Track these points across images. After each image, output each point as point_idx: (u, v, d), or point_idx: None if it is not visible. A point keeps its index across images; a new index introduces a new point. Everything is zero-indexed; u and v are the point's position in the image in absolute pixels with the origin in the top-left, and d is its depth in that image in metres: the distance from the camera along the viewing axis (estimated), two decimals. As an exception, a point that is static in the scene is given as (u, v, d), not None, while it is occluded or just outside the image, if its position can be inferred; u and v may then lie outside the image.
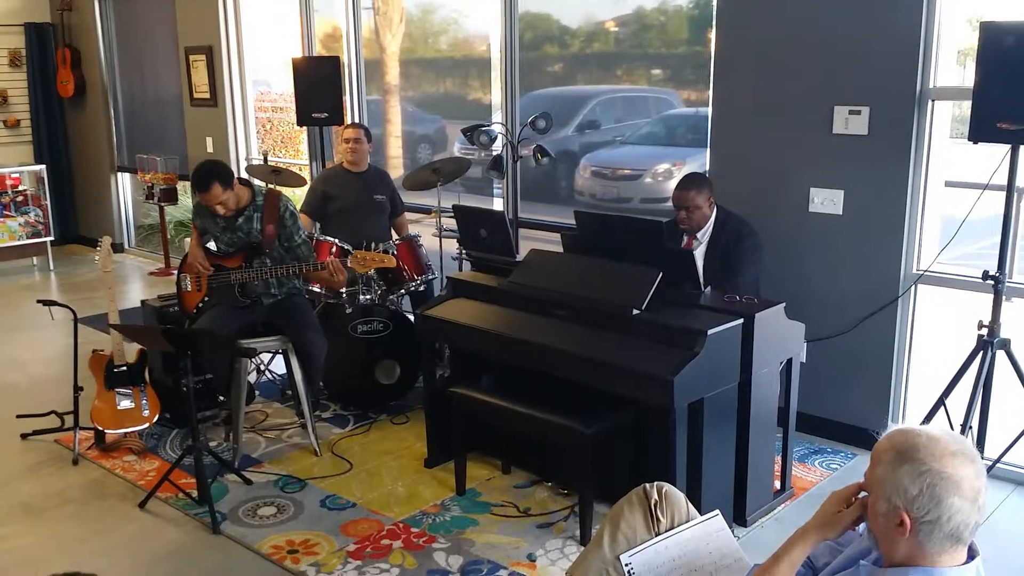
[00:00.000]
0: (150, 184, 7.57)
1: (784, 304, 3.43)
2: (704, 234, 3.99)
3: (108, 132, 8.53)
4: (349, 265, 3.98)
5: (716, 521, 2.11)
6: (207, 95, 7.21)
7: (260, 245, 4.03)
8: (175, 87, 7.61)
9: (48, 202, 8.13)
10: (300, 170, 6.30)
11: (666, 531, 2.11)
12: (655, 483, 2.19)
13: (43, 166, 8.21)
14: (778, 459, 3.68)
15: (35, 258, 8.16)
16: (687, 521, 2.13)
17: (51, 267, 8.13)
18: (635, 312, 3.26)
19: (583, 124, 5.56)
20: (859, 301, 4.06)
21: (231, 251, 4.09)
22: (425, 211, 5.42)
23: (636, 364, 3.13)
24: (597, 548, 2.09)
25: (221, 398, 4.55)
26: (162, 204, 7.58)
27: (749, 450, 3.44)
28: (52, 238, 8.16)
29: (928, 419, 3.98)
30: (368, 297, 4.71)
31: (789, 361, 3.58)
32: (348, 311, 4.62)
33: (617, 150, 6.10)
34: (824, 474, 3.96)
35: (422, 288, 4.97)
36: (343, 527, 3.52)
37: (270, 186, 4.26)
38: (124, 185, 8.74)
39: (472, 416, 3.72)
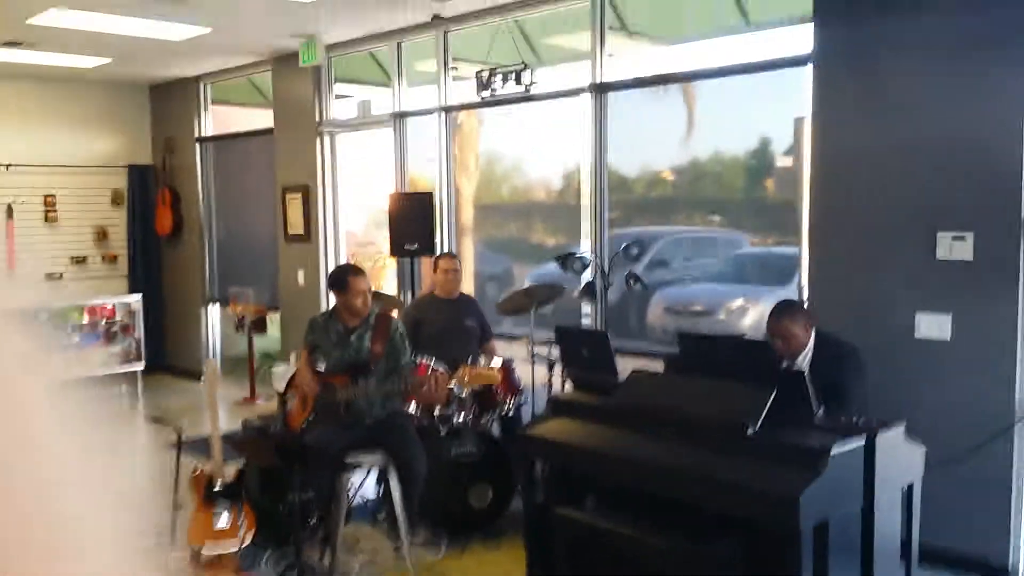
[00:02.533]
0: (241, 315, 7.81)
1: (905, 424, 3.34)
2: (803, 360, 3.94)
3: (201, 267, 8.88)
4: (454, 382, 4.02)
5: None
6: (301, 231, 7.51)
7: (367, 363, 4.11)
8: (269, 224, 7.95)
9: (140, 332, 8.40)
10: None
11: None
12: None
13: (138, 296, 8.54)
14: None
15: (124, 386, 8.37)
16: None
17: (139, 394, 8.32)
18: (750, 431, 3.21)
19: (653, 262, 5.67)
20: (972, 428, 3.94)
21: (339, 369, 4.17)
22: (515, 338, 5.48)
23: (756, 483, 3.05)
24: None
25: (312, 520, 4.52)
26: (251, 334, 7.78)
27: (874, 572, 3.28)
28: (143, 367, 8.38)
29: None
30: (461, 420, 4.71)
31: (909, 489, 3.46)
32: (442, 434, 4.62)
33: (689, 288, 6.18)
34: (948, 610, 3.73)
35: (511, 413, 4.97)
36: (444, 653, 3.41)
37: (383, 309, 4.39)
38: (214, 317, 9.01)
39: (575, 540, 3.62)
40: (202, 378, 4.28)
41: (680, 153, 5.44)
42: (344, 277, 4.20)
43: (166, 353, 9.26)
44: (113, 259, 9.03)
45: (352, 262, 4.37)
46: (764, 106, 5.39)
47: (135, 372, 8.33)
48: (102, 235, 8.94)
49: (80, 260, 8.77)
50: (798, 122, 5.33)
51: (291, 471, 3.53)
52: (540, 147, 6.26)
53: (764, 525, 3.10)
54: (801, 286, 4.71)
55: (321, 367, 4.19)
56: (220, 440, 4.23)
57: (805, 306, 4.12)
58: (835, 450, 3.03)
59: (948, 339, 4.01)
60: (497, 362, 4.82)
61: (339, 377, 4.15)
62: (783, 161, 5.36)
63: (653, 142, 5.60)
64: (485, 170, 6.90)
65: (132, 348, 8.34)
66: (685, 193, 5.64)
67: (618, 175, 5.57)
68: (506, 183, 6.86)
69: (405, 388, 4.06)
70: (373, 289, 5.83)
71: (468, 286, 6.90)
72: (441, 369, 4.67)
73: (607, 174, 5.54)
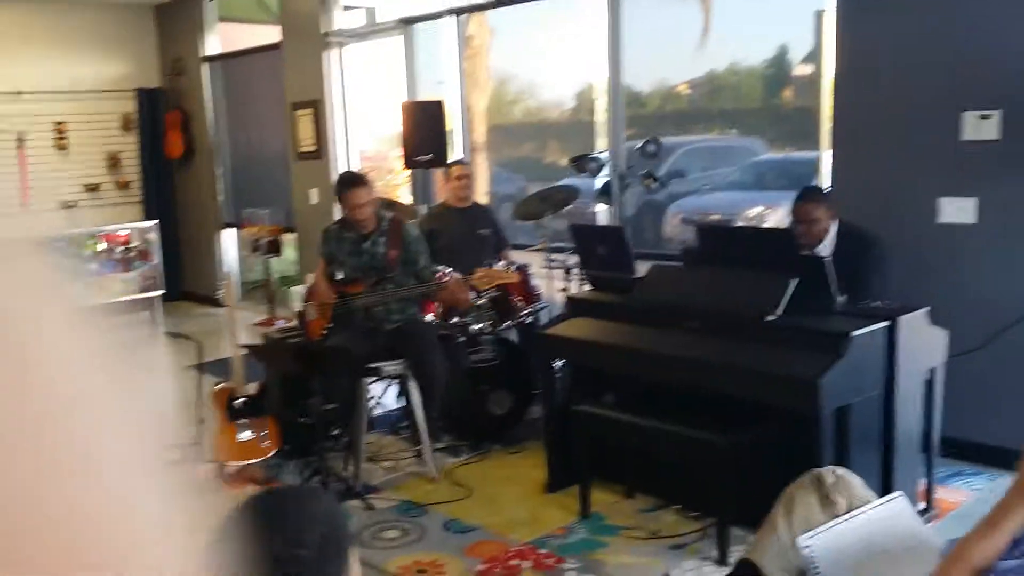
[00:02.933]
0: (256, 237, 7.77)
1: (928, 309, 3.29)
2: (824, 249, 3.86)
3: (214, 190, 8.84)
4: (472, 283, 3.98)
5: (899, 502, 1.99)
6: (312, 148, 7.43)
7: (384, 269, 4.07)
8: (280, 143, 7.86)
9: (158, 258, 8.42)
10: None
11: (844, 513, 1.98)
12: (826, 467, 2.07)
13: (155, 222, 8.53)
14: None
15: (145, 312, 8.42)
16: (866, 504, 2.01)
17: (160, 320, 8.37)
18: (770, 317, 3.16)
19: (669, 174, 5.60)
20: (996, 314, 3.87)
21: (356, 276, 4.14)
22: (529, 247, 5.42)
23: (777, 368, 3.02)
24: (772, 532, 1.98)
25: (335, 431, 4.56)
26: (267, 256, 7.75)
27: (894, 467, 3.26)
28: (163, 291, 8.42)
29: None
30: (480, 326, 4.70)
31: (931, 374, 3.42)
32: (460, 340, 4.61)
33: (705, 197, 6.10)
34: (967, 495, 3.73)
35: (530, 320, 4.95)
36: (468, 549, 3.45)
37: (394, 213, 4.33)
38: (229, 241, 9.00)
39: (596, 436, 3.63)
40: (219, 293, 4.25)
41: (695, 65, 5.33)
42: (341, 192, 4.12)
43: (184, 279, 9.29)
44: (126, 185, 8.99)
45: (360, 171, 4.31)
46: (783, 1, 5.23)
47: (155, 298, 8.36)
48: (114, 161, 8.89)
49: (93, 188, 8.74)
50: (818, 15, 5.17)
51: (312, 376, 3.52)
52: (552, 66, 6.11)
53: (785, 409, 3.07)
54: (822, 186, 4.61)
55: (339, 275, 4.17)
56: (240, 355, 4.24)
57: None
58: (856, 332, 2.98)
59: (972, 222, 3.91)
60: (513, 265, 4.78)
61: (357, 284, 4.12)
62: (801, 70, 5.23)
63: (668, 55, 5.46)
64: (497, 91, 6.78)
65: (151, 274, 8.36)
66: (701, 106, 5.52)
67: (632, 91, 5.46)
68: (519, 104, 6.77)
69: (425, 291, 4.03)
70: (385, 198, 5.78)
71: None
72: (452, 274, 4.63)
73: (622, 89, 5.39)
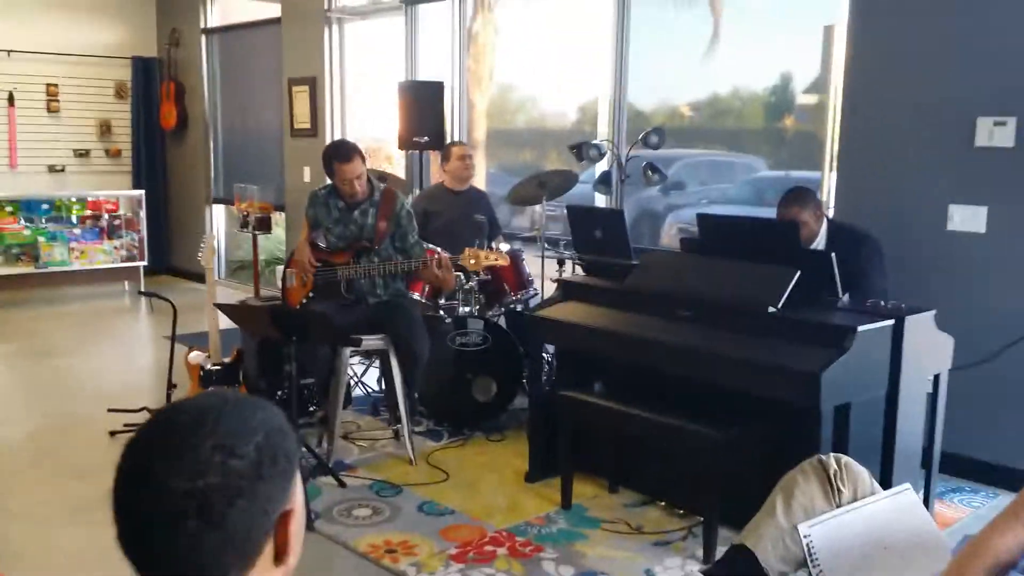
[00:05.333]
0: (245, 213, 7.59)
1: (935, 312, 3.16)
2: None
3: (206, 163, 8.67)
4: (460, 263, 3.83)
5: (908, 496, 1.85)
6: (308, 125, 7.27)
7: (371, 241, 3.92)
8: (276, 119, 7.71)
9: (143, 228, 8.24)
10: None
11: (848, 503, 1.85)
12: (830, 454, 1.93)
13: (142, 191, 8.36)
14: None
15: (127, 283, 8.24)
16: (871, 494, 1.87)
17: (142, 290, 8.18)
18: (771, 309, 3.03)
19: (668, 185, 5.51)
20: (1003, 327, 3.75)
21: (340, 246, 3.98)
22: (521, 237, 5.27)
23: (777, 360, 2.88)
24: (769, 516, 1.83)
25: (313, 408, 4.40)
26: (256, 233, 7.58)
27: (893, 477, 3.12)
28: (145, 263, 8.24)
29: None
30: (467, 310, 4.56)
31: (935, 381, 3.29)
32: (446, 322, 4.47)
33: (704, 209, 6.01)
34: (965, 511, 3.60)
35: (519, 307, 4.81)
36: (443, 531, 3.30)
37: (388, 185, 4.17)
38: (218, 217, 8.83)
39: (581, 425, 3.49)
40: (200, 254, 4.09)
41: (699, 87, 5.32)
42: (330, 163, 3.91)
43: (170, 253, 9.11)
44: (117, 153, 8.81)
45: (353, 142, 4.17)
46: (792, 13, 5.16)
47: (137, 268, 8.18)
48: (105, 128, 8.71)
49: (83, 153, 8.56)
50: (828, 31, 5.08)
51: (289, 344, 3.37)
52: (556, 77, 6.09)
53: (782, 404, 2.94)
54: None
55: (322, 243, 4.01)
56: (217, 323, 4.08)
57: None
58: (862, 328, 2.85)
59: (983, 232, 3.79)
60: (505, 248, 4.64)
61: (341, 255, 3.97)
62: (804, 99, 5.22)
63: (673, 70, 5.47)
64: (500, 97, 6.72)
65: (135, 244, 8.18)
66: (703, 125, 5.56)
67: (635, 108, 5.43)
68: (521, 113, 6.75)
69: (410, 268, 3.87)
70: (379, 170, 5.62)
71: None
72: (441, 254, 4.48)
73: (625, 104, 5.33)
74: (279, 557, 0.93)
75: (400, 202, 3.99)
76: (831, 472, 1.86)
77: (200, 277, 8.62)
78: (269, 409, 0.94)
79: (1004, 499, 3.70)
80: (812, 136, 5.00)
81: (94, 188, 8.28)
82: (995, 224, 3.76)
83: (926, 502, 3.35)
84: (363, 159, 3.89)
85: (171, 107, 8.73)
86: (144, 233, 8.24)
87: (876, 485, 1.89)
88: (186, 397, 1.09)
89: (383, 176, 5.33)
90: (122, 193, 8.32)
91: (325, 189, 4.01)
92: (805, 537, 1.77)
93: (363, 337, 3.79)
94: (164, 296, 4.30)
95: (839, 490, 1.85)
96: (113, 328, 6.97)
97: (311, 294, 3.99)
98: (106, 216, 8.07)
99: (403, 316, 3.94)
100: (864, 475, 1.90)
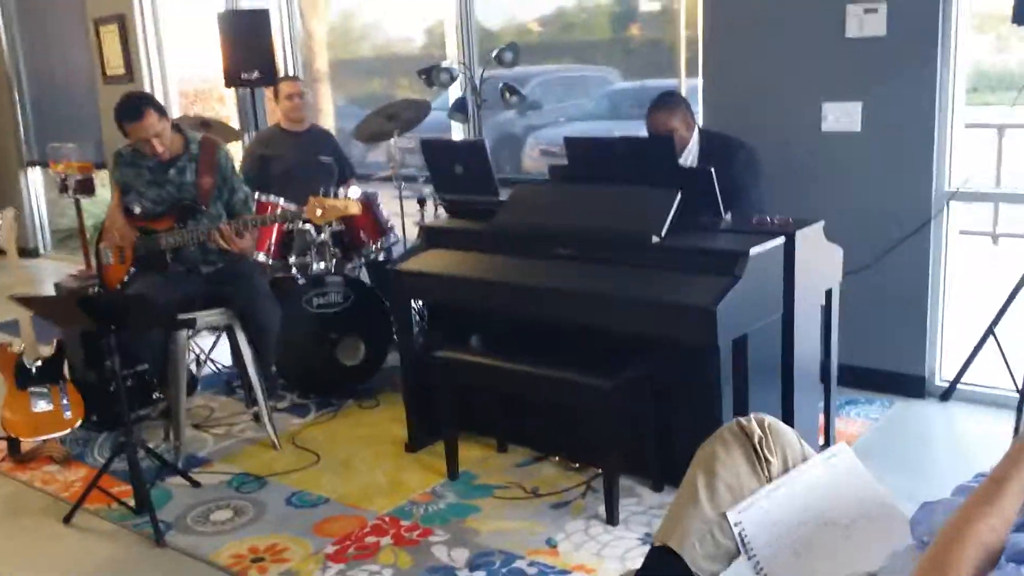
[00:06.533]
0: (63, 176, 6.76)
1: (823, 223, 2.94)
2: (687, 160, 3.45)
3: (14, 123, 7.70)
4: (305, 215, 3.36)
5: (843, 458, 1.58)
6: (121, 71, 6.48)
7: (195, 201, 3.38)
8: (85, 65, 6.85)
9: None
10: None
11: (779, 475, 1.56)
12: (751, 415, 1.64)
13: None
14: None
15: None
16: (803, 460, 1.59)
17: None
18: (654, 240, 2.73)
19: (525, 105, 5.20)
20: (885, 229, 3.59)
21: (160, 211, 3.42)
22: (378, 178, 4.80)
23: (666, 296, 2.60)
24: (692, 504, 1.53)
25: (156, 395, 3.89)
26: (78, 197, 6.78)
27: (795, 399, 2.93)
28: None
29: (976, 351, 3.55)
30: (322, 266, 4.10)
31: (828, 295, 3.09)
32: (300, 283, 4.00)
33: (563, 128, 5.84)
34: (866, 424, 3.48)
35: (380, 257, 4.38)
36: (317, 527, 2.91)
37: (206, 134, 3.60)
38: (36, 182, 7.91)
39: (461, 385, 3.14)
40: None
41: (545, 1, 5.22)
42: (120, 124, 3.31)
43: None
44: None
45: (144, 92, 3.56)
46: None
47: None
48: None
49: None
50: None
51: (107, 333, 2.85)
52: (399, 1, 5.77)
53: (674, 343, 2.67)
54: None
55: (137, 210, 3.43)
56: (28, 311, 3.48)
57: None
58: (753, 251, 2.59)
59: (858, 130, 3.59)
60: (356, 192, 4.17)
61: (162, 220, 3.41)
62: (648, 6, 5.10)
63: None
64: (341, 25, 6.21)
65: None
66: (552, 41, 5.45)
67: (483, 28, 5.15)
68: (365, 40, 6.40)
69: (200, 238, 3.36)
70: (198, 116, 5.00)
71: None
72: (284, 206, 3.98)
73: (474, 22, 4.97)
74: None
75: (222, 151, 3.45)
76: (755, 439, 1.57)
77: (29, 253, 7.78)
78: None
79: (902, 407, 3.61)
80: (660, 43, 4.91)
81: None
82: (870, 121, 3.57)
83: (827, 420, 3.20)
84: (160, 111, 3.30)
85: (-37, 62, 7.66)
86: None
87: (806, 447, 1.62)
88: None
89: (204, 123, 4.72)
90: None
91: (131, 147, 3.41)
92: (736, 526, 1.49)
93: (197, 314, 3.28)
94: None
95: (767, 459, 1.56)
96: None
97: (132, 269, 3.43)
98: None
99: (243, 284, 3.44)
100: (791, 436, 1.63)
